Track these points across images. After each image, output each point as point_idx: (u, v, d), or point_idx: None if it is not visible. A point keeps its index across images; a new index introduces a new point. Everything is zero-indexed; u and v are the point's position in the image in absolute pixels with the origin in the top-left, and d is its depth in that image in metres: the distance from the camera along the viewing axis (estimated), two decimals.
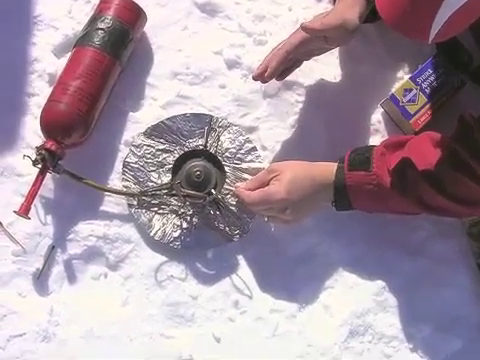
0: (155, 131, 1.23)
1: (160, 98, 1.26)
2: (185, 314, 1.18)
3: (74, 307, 1.17)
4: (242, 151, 1.23)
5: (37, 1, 1.28)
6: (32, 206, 1.13)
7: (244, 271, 1.20)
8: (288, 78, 1.24)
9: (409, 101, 1.25)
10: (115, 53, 1.20)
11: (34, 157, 1.14)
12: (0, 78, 1.23)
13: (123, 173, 1.21)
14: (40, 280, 1.17)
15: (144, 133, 1.22)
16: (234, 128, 1.24)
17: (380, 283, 1.22)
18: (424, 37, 0.84)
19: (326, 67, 1.30)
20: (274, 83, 1.25)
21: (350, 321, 1.20)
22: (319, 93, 1.29)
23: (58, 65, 1.24)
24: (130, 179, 1.21)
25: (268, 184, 1.14)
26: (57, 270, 1.18)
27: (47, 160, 1.13)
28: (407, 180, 1.08)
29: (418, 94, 1.25)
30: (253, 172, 1.21)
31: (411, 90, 1.25)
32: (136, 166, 1.21)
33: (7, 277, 1.17)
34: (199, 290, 1.19)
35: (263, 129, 1.26)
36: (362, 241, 1.23)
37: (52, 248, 1.18)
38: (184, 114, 1.24)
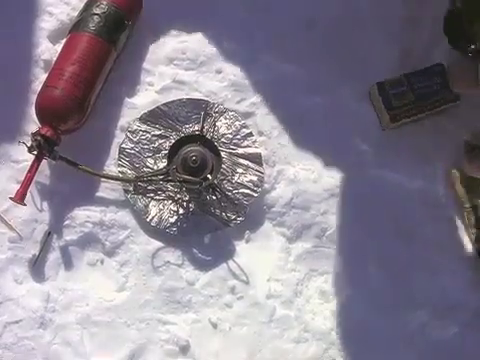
0: (151, 117, 1.22)
1: (156, 83, 1.26)
2: (182, 300, 1.18)
3: (70, 293, 1.16)
4: (238, 136, 1.23)
5: None
6: (28, 192, 1.13)
7: (241, 256, 1.20)
8: (285, 64, 1.24)
9: (396, 94, 1.24)
10: (110, 38, 1.20)
11: (30, 143, 1.13)
12: None
13: (119, 159, 1.21)
14: (36, 266, 1.17)
15: (140, 119, 1.22)
16: (230, 113, 1.24)
17: (377, 269, 1.22)
18: None
19: (324, 56, 1.30)
20: (271, 69, 1.25)
21: None
22: (316, 79, 1.29)
23: (53, 51, 1.23)
24: (126, 165, 1.20)
25: None
26: (53, 256, 1.17)
27: (43, 146, 1.12)
28: None
29: (407, 91, 1.24)
30: (250, 157, 1.21)
31: (402, 85, 1.24)
32: (132, 152, 1.21)
33: (3, 263, 1.16)
34: (196, 276, 1.19)
35: (259, 115, 1.26)
36: (360, 226, 1.23)
37: (48, 234, 1.17)
38: (180, 99, 1.23)
